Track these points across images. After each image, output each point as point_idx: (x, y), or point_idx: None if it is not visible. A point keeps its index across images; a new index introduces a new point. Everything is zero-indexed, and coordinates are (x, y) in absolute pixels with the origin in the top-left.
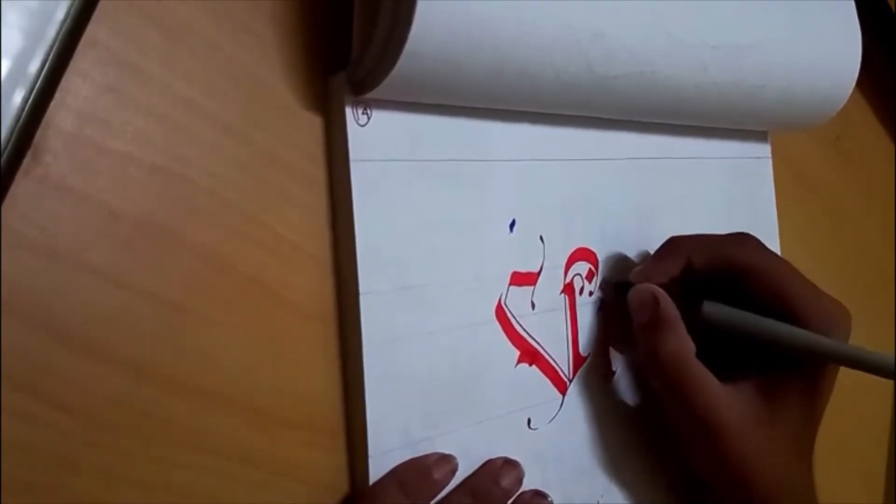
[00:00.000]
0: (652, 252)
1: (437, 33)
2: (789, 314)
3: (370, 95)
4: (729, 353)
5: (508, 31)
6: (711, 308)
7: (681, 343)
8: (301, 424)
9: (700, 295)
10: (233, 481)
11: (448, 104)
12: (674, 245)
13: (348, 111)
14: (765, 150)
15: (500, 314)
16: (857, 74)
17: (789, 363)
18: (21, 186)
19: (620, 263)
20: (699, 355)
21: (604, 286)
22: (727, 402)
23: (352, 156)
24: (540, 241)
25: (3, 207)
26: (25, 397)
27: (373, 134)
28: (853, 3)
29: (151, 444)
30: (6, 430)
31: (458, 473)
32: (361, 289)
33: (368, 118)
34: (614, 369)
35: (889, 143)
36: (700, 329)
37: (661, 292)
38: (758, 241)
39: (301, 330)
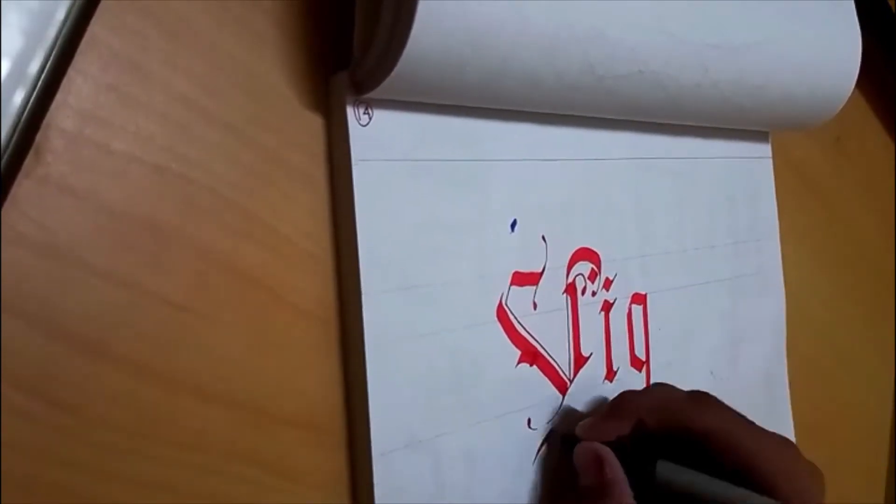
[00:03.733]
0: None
1: (438, 33)
2: (756, 482)
3: (371, 95)
4: None
5: (509, 31)
6: (665, 469)
7: None
8: (302, 424)
9: (654, 452)
10: (233, 481)
11: (449, 104)
12: (625, 402)
13: (349, 111)
14: (765, 150)
15: (501, 314)
16: (857, 74)
17: None
18: (22, 186)
19: (573, 415)
20: None
21: (550, 438)
22: None
23: (353, 156)
24: (542, 241)
25: (4, 207)
26: (26, 396)
27: (374, 134)
28: (853, 4)
29: (152, 443)
30: (6, 429)
31: (458, 475)
32: (363, 288)
33: (370, 118)
34: (615, 369)
35: (889, 143)
36: (652, 490)
37: (607, 453)
38: (718, 401)
39: (302, 329)
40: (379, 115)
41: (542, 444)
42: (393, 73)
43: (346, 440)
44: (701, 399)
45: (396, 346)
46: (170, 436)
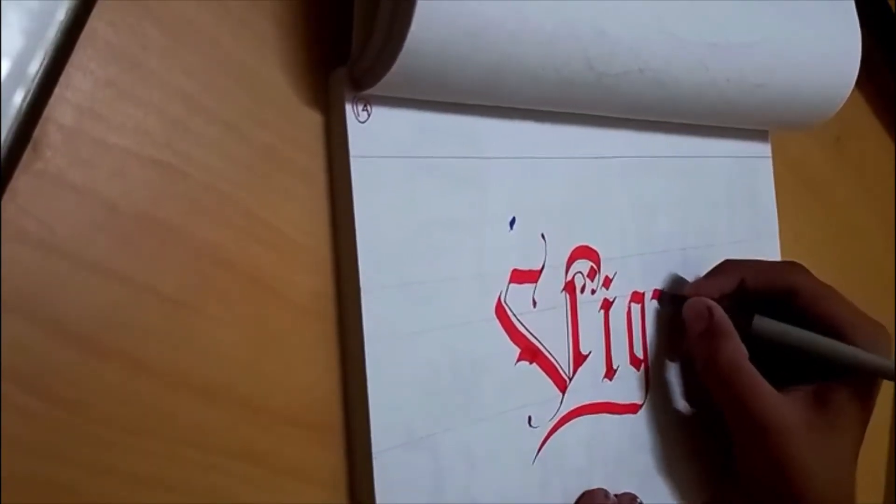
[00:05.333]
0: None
1: (436, 30)
2: (836, 333)
3: (370, 92)
4: (777, 367)
5: (508, 28)
6: (762, 322)
7: (736, 349)
8: (301, 421)
9: (750, 311)
10: (231, 477)
11: (449, 101)
12: (728, 265)
13: (348, 107)
14: (765, 149)
15: (500, 311)
16: (856, 74)
17: (837, 375)
18: (21, 181)
19: (677, 279)
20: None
21: (660, 298)
22: (783, 406)
23: (352, 152)
24: (541, 239)
25: (2, 202)
26: (24, 392)
27: (373, 130)
28: (853, 3)
29: (150, 440)
30: (5, 426)
31: (458, 473)
32: (362, 285)
33: (368, 115)
34: (615, 367)
35: (889, 143)
36: (751, 343)
37: (714, 304)
38: (806, 268)
39: (300, 326)
40: (378, 111)
41: (543, 443)
42: (391, 70)
43: (345, 437)
44: (792, 264)
45: (395, 343)
46: (168, 432)
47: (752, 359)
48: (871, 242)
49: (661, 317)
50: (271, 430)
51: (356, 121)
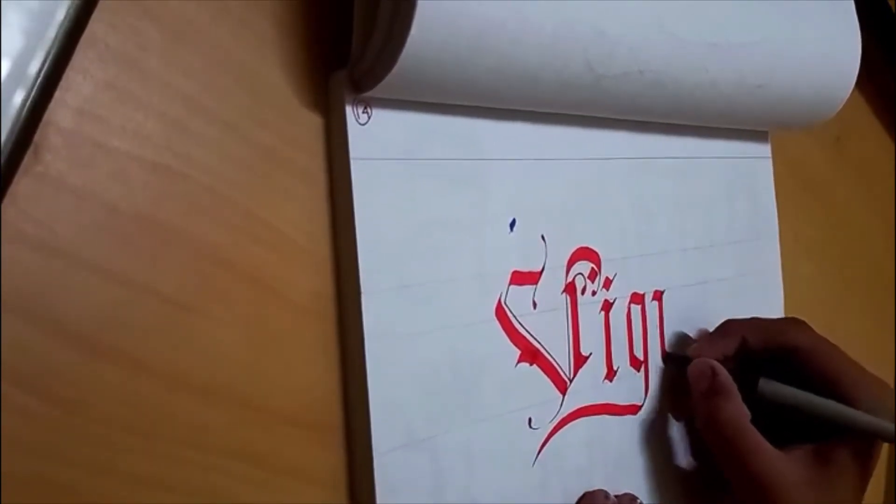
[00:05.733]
0: (710, 330)
1: (436, 32)
2: (839, 393)
3: (370, 94)
4: (779, 424)
5: (508, 30)
6: (767, 385)
7: (737, 409)
8: (301, 421)
9: (754, 373)
10: (232, 478)
11: (449, 103)
12: (730, 325)
13: (348, 109)
14: (765, 149)
15: (501, 313)
16: (856, 74)
17: (839, 434)
18: (21, 184)
19: (681, 338)
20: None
21: (665, 359)
22: (782, 464)
23: (352, 154)
24: (541, 241)
25: (3, 205)
26: (24, 393)
27: (373, 132)
28: (853, 4)
29: (149, 441)
30: (5, 426)
31: (458, 474)
32: (363, 287)
33: (369, 117)
34: (615, 368)
35: (889, 143)
36: (754, 405)
37: (717, 364)
38: (808, 325)
39: (301, 327)
40: (378, 113)
41: (543, 444)
42: (392, 72)
43: (345, 438)
44: (793, 321)
45: (396, 344)
46: (168, 433)
47: (755, 417)
48: (871, 242)
49: (661, 318)
50: (272, 430)
51: (356, 123)
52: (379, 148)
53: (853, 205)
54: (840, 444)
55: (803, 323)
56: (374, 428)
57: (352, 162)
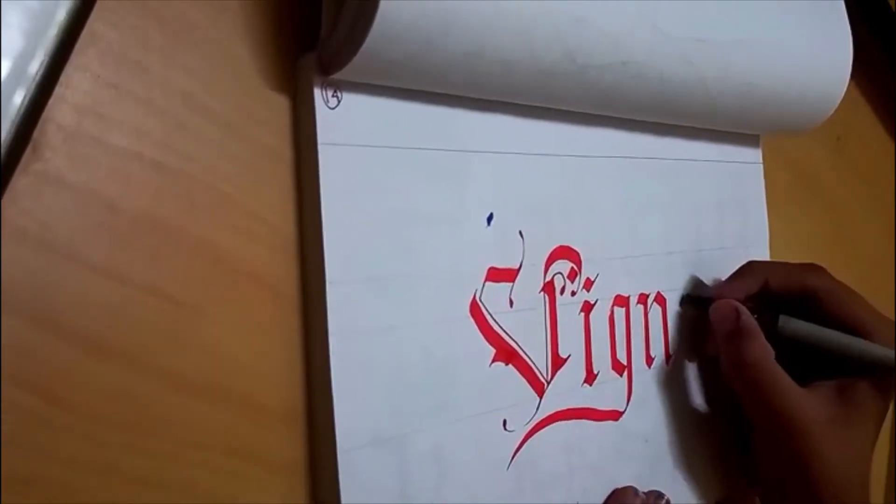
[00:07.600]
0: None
1: (406, 12)
2: (856, 332)
3: (338, 76)
4: (800, 365)
5: (482, 10)
6: (788, 322)
7: (762, 349)
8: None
9: (773, 311)
10: (232, 477)
11: (421, 89)
12: (752, 266)
13: (317, 92)
14: (756, 155)
15: (475, 310)
16: (848, 77)
17: (859, 372)
18: (20, 181)
19: (697, 281)
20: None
21: (682, 301)
22: (807, 402)
23: (319, 138)
24: (519, 237)
25: (2, 202)
26: (23, 392)
27: (343, 117)
28: (843, 4)
29: (148, 439)
30: (5, 426)
31: (428, 476)
32: (328, 277)
33: (338, 101)
34: (596, 372)
35: (889, 143)
36: (774, 343)
37: (740, 306)
38: (826, 270)
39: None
40: (349, 98)
41: (519, 447)
42: (359, 53)
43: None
44: (813, 266)
45: (362, 338)
46: (167, 431)
47: (778, 357)
48: (871, 242)
49: (647, 323)
50: (272, 429)
51: (325, 106)
52: (349, 134)
53: (853, 205)
54: (860, 380)
55: (823, 268)
56: (337, 424)
57: (319, 146)
